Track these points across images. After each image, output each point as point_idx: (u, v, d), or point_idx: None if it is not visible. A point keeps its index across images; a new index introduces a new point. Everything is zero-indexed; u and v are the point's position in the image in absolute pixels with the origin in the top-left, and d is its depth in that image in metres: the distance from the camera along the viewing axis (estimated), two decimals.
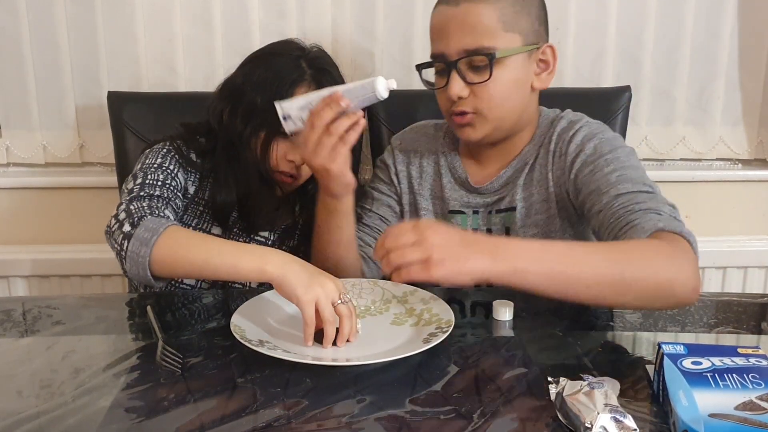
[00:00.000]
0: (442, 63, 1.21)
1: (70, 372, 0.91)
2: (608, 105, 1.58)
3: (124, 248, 1.09)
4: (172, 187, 1.25)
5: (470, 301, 1.19)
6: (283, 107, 1.16)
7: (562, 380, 0.81)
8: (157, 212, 1.16)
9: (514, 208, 1.28)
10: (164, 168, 1.27)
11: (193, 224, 1.33)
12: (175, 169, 1.28)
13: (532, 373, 0.89)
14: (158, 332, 1.02)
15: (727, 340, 1.03)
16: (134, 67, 1.74)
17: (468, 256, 0.90)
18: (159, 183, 1.23)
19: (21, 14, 1.69)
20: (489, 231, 1.31)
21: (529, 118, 1.29)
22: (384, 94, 1.08)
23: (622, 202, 1.09)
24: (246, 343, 0.92)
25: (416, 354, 0.90)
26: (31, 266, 1.81)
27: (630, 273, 0.95)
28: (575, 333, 1.03)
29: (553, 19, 1.71)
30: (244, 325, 0.99)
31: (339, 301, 0.96)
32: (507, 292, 1.13)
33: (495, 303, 1.07)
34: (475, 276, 0.90)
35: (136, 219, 1.11)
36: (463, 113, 1.21)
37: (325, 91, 1.12)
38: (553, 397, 0.80)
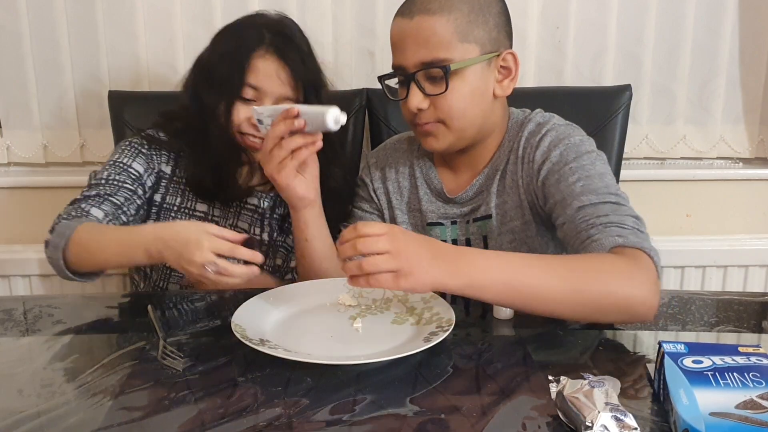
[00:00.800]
0: (402, 75, 1.21)
1: (71, 371, 0.91)
2: (609, 104, 1.58)
3: (46, 254, 1.21)
4: (116, 181, 1.31)
5: (471, 300, 1.19)
6: (257, 111, 1.20)
7: (563, 379, 0.81)
8: (76, 213, 1.25)
9: (490, 216, 1.27)
10: (117, 163, 1.34)
11: (177, 203, 1.37)
12: (130, 161, 1.34)
13: (532, 372, 0.89)
14: (159, 331, 1.02)
15: (728, 338, 1.03)
16: (135, 66, 1.74)
17: (430, 269, 0.92)
18: (102, 181, 1.31)
19: (21, 13, 1.69)
20: (468, 241, 1.31)
21: (495, 124, 1.27)
22: (332, 126, 1.10)
23: (583, 215, 1.09)
24: (247, 342, 0.92)
25: (417, 353, 0.90)
26: (32, 265, 1.81)
27: (587, 290, 0.96)
28: (576, 332, 1.03)
29: (553, 18, 1.73)
30: (245, 324, 0.99)
31: (209, 270, 1.01)
32: None
33: None
34: (436, 288, 0.94)
35: (54, 225, 1.23)
36: (425, 125, 1.21)
37: (291, 106, 1.14)
38: (553, 395, 0.80)
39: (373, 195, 1.39)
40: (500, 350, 0.97)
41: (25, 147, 1.80)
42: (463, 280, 0.93)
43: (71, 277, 1.21)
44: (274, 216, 1.41)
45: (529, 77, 1.76)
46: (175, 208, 1.37)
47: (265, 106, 1.22)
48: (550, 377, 0.84)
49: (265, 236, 1.40)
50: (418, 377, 0.88)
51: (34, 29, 1.71)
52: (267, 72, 1.28)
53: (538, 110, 1.30)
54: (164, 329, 1.03)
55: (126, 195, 1.31)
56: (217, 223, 1.34)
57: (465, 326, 1.04)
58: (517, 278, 0.95)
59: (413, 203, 1.36)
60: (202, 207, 1.38)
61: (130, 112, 1.59)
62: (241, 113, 1.30)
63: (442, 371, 0.90)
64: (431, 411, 0.80)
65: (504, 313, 1.06)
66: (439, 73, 1.16)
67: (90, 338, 1.04)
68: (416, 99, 1.18)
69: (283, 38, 1.30)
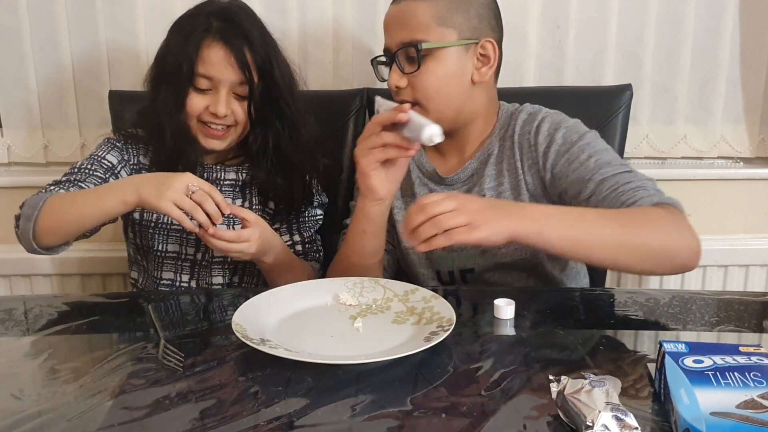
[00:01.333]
0: (386, 56, 1.30)
1: (72, 371, 0.91)
2: (609, 103, 1.58)
3: (17, 227, 1.25)
4: (87, 169, 1.34)
5: (472, 299, 1.19)
6: (378, 102, 1.24)
7: (564, 378, 0.81)
8: (45, 192, 1.27)
9: (483, 197, 1.31)
10: (92, 156, 1.38)
11: None
12: (104, 153, 1.38)
13: (533, 372, 0.89)
14: (159, 331, 1.02)
15: (729, 338, 1.02)
16: (135, 65, 1.73)
17: (500, 217, 1.02)
18: (75, 170, 1.34)
19: (22, 13, 1.69)
20: None
21: (476, 110, 1.32)
22: (425, 139, 1.12)
23: (609, 185, 1.16)
24: (247, 342, 0.92)
25: (417, 352, 0.90)
26: (33, 265, 1.81)
27: (639, 236, 1.07)
28: (577, 331, 1.03)
29: (554, 18, 1.73)
30: (246, 323, 0.99)
31: (191, 192, 1.13)
32: (509, 291, 1.13)
33: (496, 301, 1.07)
34: (507, 236, 1.02)
35: (24, 201, 1.25)
36: (404, 103, 1.25)
37: (406, 107, 1.16)
38: (554, 395, 0.80)
39: None
40: (501, 350, 0.97)
41: (26, 147, 1.80)
42: (533, 227, 1.03)
43: (37, 250, 1.24)
44: (254, 184, 1.43)
45: (529, 77, 1.76)
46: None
47: (388, 101, 1.24)
48: (550, 377, 0.84)
49: (246, 204, 1.42)
50: (418, 377, 0.88)
51: (35, 28, 1.71)
52: (216, 60, 1.29)
53: (526, 104, 1.36)
54: (164, 329, 1.03)
55: (95, 182, 1.33)
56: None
57: (465, 326, 1.04)
58: (578, 226, 1.06)
59: (406, 189, 1.40)
60: None
61: (131, 111, 1.58)
62: (198, 103, 1.32)
63: (443, 371, 0.90)
64: (432, 411, 0.80)
65: (505, 312, 1.06)
66: (415, 52, 1.24)
67: (90, 338, 1.04)
68: (394, 76, 1.27)
69: (229, 24, 1.31)
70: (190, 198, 1.13)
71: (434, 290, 1.10)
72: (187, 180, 1.15)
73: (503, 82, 1.42)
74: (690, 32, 1.75)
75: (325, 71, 1.75)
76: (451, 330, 0.96)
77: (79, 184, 1.31)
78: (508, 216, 1.03)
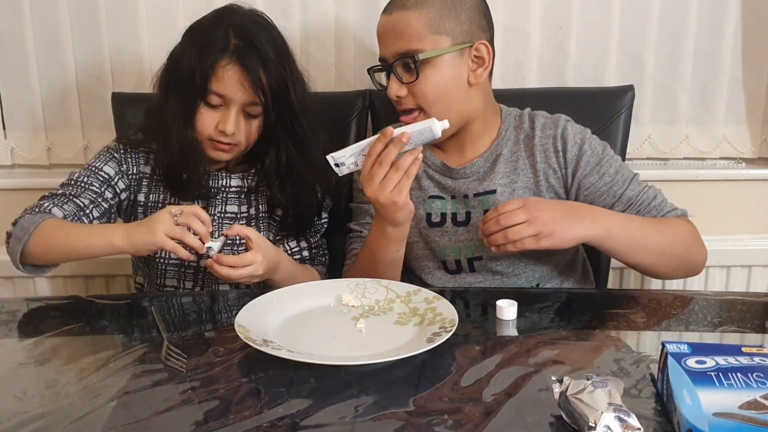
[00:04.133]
0: (384, 66, 1.32)
1: (75, 372, 0.92)
2: (611, 104, 1.58)
3: (7, 243, 1.25)
4: (83, 183, 1.34)
5: (474, 300, 1.19)
6: (335, 157, 1.22)
7: (566, 379, 0.81)
8: (39, 210, 1.27)
9: (493, 191, 1.34)
10: (90, 166, 1.37)
11: (161, 200, 1.39)
12: (102, 164, 1.37)
13: (535, 373, 0.89)
14: (162, 332, 1.02)
15: (732, 339, 1.02)
16: (138, 67, 1.74)
17: (570, 225, 1.17)
18: (72, 182, 1.35)
19: (25, 15, 1.70)
20: (468, 214, 1.36)
21: (476, 110, 1.34)
22: (439, 134, 1.19)
23: (640, 200, 1.30)
24: (250, 343, 0.93)
25: (420, 353, 0.90)
26: None
27: (673, 245, 1.25)
28: (579, 332, 1.03)
29: (556, 19, 1.73)
30: (248, 324, 0.99)
31: (176, 218, 1.14)
32: (510, 292, 1.13)
33: (499, 302, 1.07)
34: (579, 240, 1.19)
35: (17, 219, 1.26)
36: (409, 111, 1.31)
37: (376, 137, 1.18)
38: (556, 396, 0.80)
39: None
40: (503, 351, 0.97)
41: (29, 149, 1.80)
42: (599, 230, 1.19)
43: (21, 269, 1.25)
44: (260, 190, 1.42)
45: (531, 78, 1.76)
46: (160, 205, 1.38)
47: (341, 151, 1.21)
48: (553, 377, 0.83)
49: (252, 211, 1.42)
50: (421, 378, 0.88)
51: (38, 31, 1.71)
52: (230, 81, 1.28)
53: (527, 109, 1.41)
54: (167, 330, 1.03)
55: (91, 197, 1.33)
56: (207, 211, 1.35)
57: (468, 327, 1.04)
58: (639, 233, 1.23)
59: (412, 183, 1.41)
60: (186, 200, 1.38)
61: (134, 113, 1.58)
62: (208, 120, 1.31)
63: (445, 372, 0.90)
64: (434, 411, 0.80)
65: (507, 313, 1.06)
66: (412, 61, 1.26)
67: (93, 339, 1.04)
68: (394, 87, 1.29)
69: (247, 45, 1.29)
70: (177, 224, 1.14)
71: (437, 291, 1.10)
72: (168, 210, 1.16)
73: (505, 83, 1.43)
74: (692, 33, 1.75)
75: (327, 73, 1.75)
76: (453, 331, 0.96)
77: (74, 199, 1.31)
78: (580, 222, 1.18)
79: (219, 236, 1.20)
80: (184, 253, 1.15)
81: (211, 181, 1.40)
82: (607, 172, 1.31)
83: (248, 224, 1.39)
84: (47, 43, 1.72)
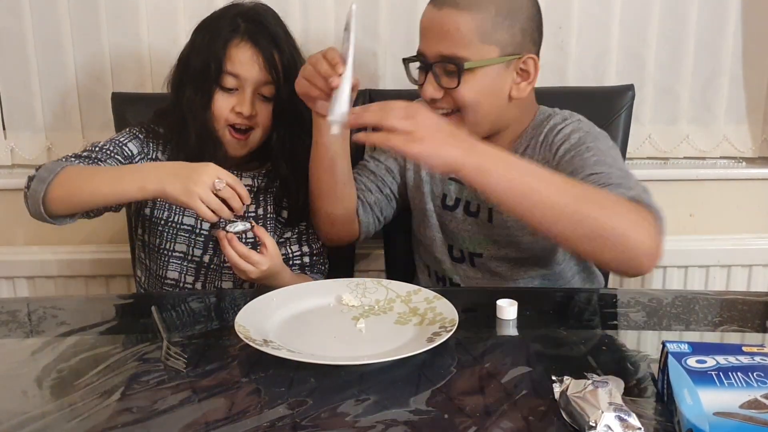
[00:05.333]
0: (422, 62, 1.25)
1: (75, 372, 0.92)
2: (611, 103, 1.58)
3: (27, 187, 1.21)
4: (108, 150, 1.32)
5: (474, 300, 1.19)
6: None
7: (567, 379, 0.81)
8: (64, 161, 1.24)
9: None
10: (114, 140, 1.36)
11: None
12: (126, 141, 1.36)
13: (536, 372, 0.89)
14: (163, 332, 1.02)
15: (732, 338, 1.02)
16: (138, 67, 1.74)
17: (445, 144, 0.99)
18: (97, 148, 1.32)
19: (25, 15, 1.70)
20: (478, 206, 1.35)
21: (509, 121, 1.30)
22: (329, 121, 1.10)
23: (593, 179, 1.11)
24: (250, 343, 0.93)
25: (420, 353, 0.90)
26: (36, 267, 1.81)
27: (587, 208, 1.00)
28: (579, 332, 1.03)
29: (556, 18, 1.73)
30: (249, 324, 0.99)
31: (217, 189, 1.11)
32: (510, 292, 1.13)
33: (499, 302, 1.07)
34: (447, 163, 1.00)
35: (41, 165, 1.22)
36: (442, 112, 1.24)
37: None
38: (557, 396, 0.80)
39: None
40: (503, 350, 0.97)
41: (29, 149, 1.80)
42: (474, 161, 0.99)
43: (41, 215, 1.20)
44: (269, 191, 1.43)
45: None
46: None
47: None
48: (553, 377, 0.84)
49: (260, 211, 1.42)
50: (421, 378, 0.88)
51: (38, 31, 1.71)
52: (244, 59, 1.30)
53: (556, 109, 1.34)
54: (167, 330, 1.03)
55: (114, 164, 1.32)
56: None
57: (468, 326, 1.03)
58: (525, 180, 1.01)
59: (417, 181, 1.41)
60: None
61: (134, 113, 1.58)
62: (224, 104, 1.32)
63: (446, 371, 0.90)
64: (434, 411, 0.80)
65: (507, 313, 1.06)
66: (455, 68, 1.19)
67: (94, 339, 1.04)
68: (430, 89, 1.23)
69: (256, 26, 1.32)
70: (217, 195, 1.12)
71: (437, 291, 1.10)
72: (213, 173, 1.13)
73: None
74: (692, 32, 1.75)
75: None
76: (453, 331, 0.96)
77: (99, 162, 1.30)
78: (456, 147, 0.99)
79: (246, 221, 1.22)
80: (209, 214, 1.12)
81: None
82: (580, 156, 1.19)
83: (255, 223, 1.39)
84: (47, 43, 1.72)
